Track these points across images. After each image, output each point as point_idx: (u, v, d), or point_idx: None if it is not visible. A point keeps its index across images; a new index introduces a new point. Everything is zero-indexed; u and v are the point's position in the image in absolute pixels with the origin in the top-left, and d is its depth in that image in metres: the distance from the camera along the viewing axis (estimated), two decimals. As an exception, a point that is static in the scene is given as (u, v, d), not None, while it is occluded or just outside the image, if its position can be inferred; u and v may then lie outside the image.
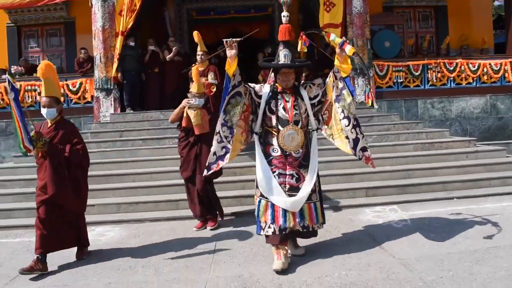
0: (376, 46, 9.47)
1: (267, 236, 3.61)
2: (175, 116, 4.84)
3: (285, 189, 3.54)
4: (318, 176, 3.74)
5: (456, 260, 3.38)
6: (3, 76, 9.63)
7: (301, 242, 3.86)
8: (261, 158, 3.62)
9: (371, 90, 3.73)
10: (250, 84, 3.73)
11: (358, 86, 8.90)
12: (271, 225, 3.53)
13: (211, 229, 4.79)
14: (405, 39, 10.39)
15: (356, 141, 3.71)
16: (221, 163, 3.57)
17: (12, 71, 9.60)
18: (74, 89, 9.33)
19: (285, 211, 3.50)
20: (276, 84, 3.68)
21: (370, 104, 3.72)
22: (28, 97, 9.24)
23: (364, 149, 3.76)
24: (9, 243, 4.79)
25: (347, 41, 3.60)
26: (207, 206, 4.86)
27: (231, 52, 3.43)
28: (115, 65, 8.91)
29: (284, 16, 3.68)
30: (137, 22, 11.72)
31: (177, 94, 9.78)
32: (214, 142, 3.56)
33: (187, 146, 4.80)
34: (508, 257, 3.36)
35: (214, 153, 3.57)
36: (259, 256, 3.82)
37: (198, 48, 6.06)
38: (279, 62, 3.61)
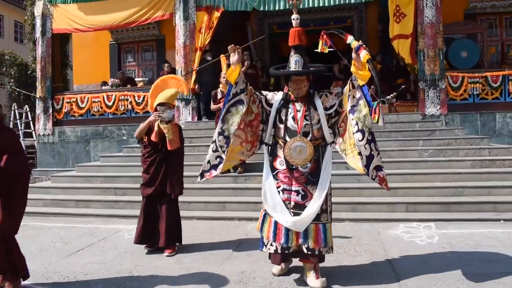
0: (451, 56, 8.99)
1: (270, 254, 3.48)
2: (142, 131, 4.51)
3: (289, 207, 3.29)
4: (330, 195, 3.48)
5: (453, 281, 3.31)
6: (104, 88, 11.28)
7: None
8: (267, 171, 3.43)
9: (378, 105, 3.43)
10: (262, 92, 3.56)
11: (428, 98, 8.61)
12: (273, 243, 3.33)
13: (168, 256, 4.33)
14: (486, 48, 9.64)
15: (370, 159, 3.28)
16: (214, 173, 3.44)
17: (110, 83, 11.18)
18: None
19: (287, 230, 3.28)
20: (289, 92, 3.44)
21: (376, 120, 3.48)
22: (121, 105, 10.59)
23: (378, 168, 3.34)
24: (82, 227, 5.74)
25: (363, 45, 3.25)
26: (172, 229, 4.46)
27: (233, 58, 3.30)
28: (193, 78, 9.83)
29: (294, 19, 3.43)
30: (221, 36, 12.80)
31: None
32: (209, 150, 3.45)
33: (155, 162, 4.48)
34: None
35: (208, 162, 3.45)
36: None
37: (222, 73, 6.45)
38: (290, 69, 3.37)
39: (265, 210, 3.43)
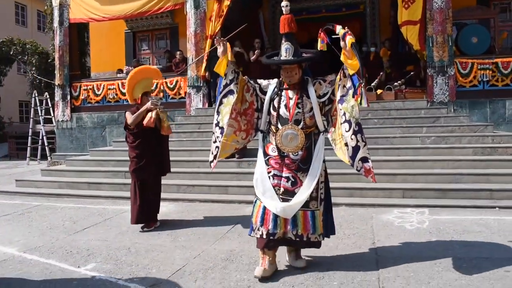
0: (462, 42, 8.88)
1: (258, 240, 3.40)
2: (138, 119, 4.75)
3: (279, 192, 3.28)
4: (324, 183, 3.45)
5: (430, 264, 3.44)
6: (119, 75, 11.60)
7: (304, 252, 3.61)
8: (260, 157, 3.45)
9: (361, 85, 3.34)
10: (258, 80, 3.54)
11: (437, 85, 8.56)
12: (260, 227, 3.31)
13: (149, 230, 4.74)
14: (498, 34, 9.45)
15: (355, 150, 3.17)
16: (215, 161, 3.53)
17: (124, 71, 11.49)
18: (171, 86, 10.71)
19: (276, 216, 3.26)
20: (283, 80, 3.42)
21: (359, 101, 3.42)
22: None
23: (364, 159, 3.18)
24: (91, 208, 6.07)
25: (349, 32, 3.20)
26: (157, 207, 4.99)
27: (219, 50, 3.40)
28: (203, 65, 10.02)
29: (283, 6, 3.36)
30: (233, 24, 12.88)
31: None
32: (211, 142, 3.54)
33: (148, 148, 4.81)
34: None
35: (212, 152, 3.53)
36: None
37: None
38: (281, 57, 3.34)
39: (256, 195, 3.40)
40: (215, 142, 3.50)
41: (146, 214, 4.81)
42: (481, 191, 5.47)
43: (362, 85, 3.36)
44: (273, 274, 3.26)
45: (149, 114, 4.69)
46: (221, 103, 3.48)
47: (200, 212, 5.63)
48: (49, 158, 11.72)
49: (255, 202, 3.42)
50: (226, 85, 3.44)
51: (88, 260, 3.79)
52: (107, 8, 10.82)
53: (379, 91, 9.18)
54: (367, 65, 10.40)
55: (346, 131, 3.19)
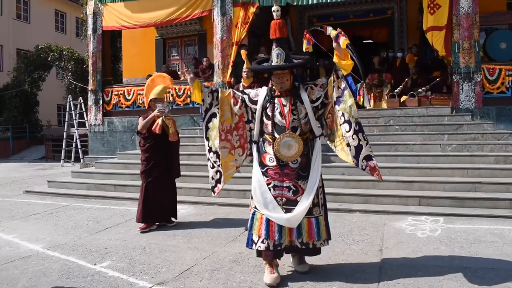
0: (490, 48, 8.68)
1: (259, 251, 3.39)
2: (146, 125, 5.00)
3: (281, 203, 3.25)
4: (322, 188, 3.47)
5: (433, 273, 3.44)
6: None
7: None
8: (257, 168, 3.37)
9: (362, 86, 3.37)
10: (245, 90, 3.53)
11: (463, 91, 8.39)
12: (264, 240, 3.26)
13: (171, 226, 5.18)
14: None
15: (358, 149, 3.19)
16: (220, 186, 3.55)
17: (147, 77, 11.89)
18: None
19: (280, 226, 3.26)
20: (274, 87, 3.36)
21: (361, 102, 3.42)
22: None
23: (368, 158, 3.21)
24: (115, 209, 6.37)
25: (342, 32, 3.22)
26: (167, 208, 5.19)
27: (187, 79, 3.42)
28: (229, 71, 10.25)
29: (274, 11, 3.35)
30: (260, 30, 13.10)
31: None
32: (208, 167, 3.55)
33: (157, 152, 5.06)
34: None
35: (212, 178, 3.54)
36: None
37: (244, 66, 6.22)
38: (272, 63, 3.30)
39: (255, 207, 3.36)
40: (213, 167, 3.51)
41: (149, 215, 5.03)
42: (500, 200, 5.36)
43: (363, 86, 3.42)
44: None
45: (157, 121, 4.94)
46: (207, 128, 3.49)
47: (217, 215, 5.81)
48: (82, 160, 12.28)
49: (254, 214, 3.36)
50: (207, 110, 3.46)
51: (104, 258, 4.02)
52: (138, 16, 11.24)
53: (403, 98, 9.11)
54: (393, 71, 10.35)
55: (347, 132, 3.20)
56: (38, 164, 13.77)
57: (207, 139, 3.50)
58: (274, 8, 3.33)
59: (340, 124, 3.25)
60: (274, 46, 3.31)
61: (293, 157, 3.25)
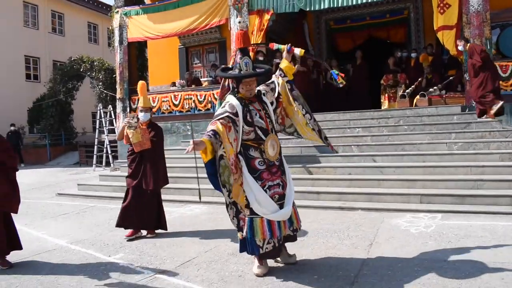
0: (503, 44, 8.66)
1: (264, 254, 3.52)
2: (119, 135, 5.13)
3: (275, 200, 3.49)
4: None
5: (412, 265, 3.68)
6: (172, 88, 12.60)
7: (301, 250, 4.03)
8: (249, 177, 3.46)
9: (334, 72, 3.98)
10: (227, 107, 3.46)
11: (475, 90, 8.40)
12: (270, 240, 3.48)
13: (150, 237, 5.00)
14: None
15: (320, 132, 3.90)
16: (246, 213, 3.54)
17: (177, 84, 12.47)
18: (217, 96, 11.47)
19: (279, 222, 3.52)
20: (238, 95, 3.55)
21: (340, 81, 4.07)
22: (186, 104, 11.81)
23: (326, 137, 4.02)
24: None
25: (293, 46, 3.90)
26: (152, 217, 5.05)
27: (197, 148, 3.16)
28: (246, 77, 10.64)
29: (237, 23, 3.65)
30: (278, 36, 13.44)
31: (305, 99, 10.99)
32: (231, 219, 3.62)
33: (135, 161, 5.03)
34: None
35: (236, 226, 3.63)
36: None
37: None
38: (241, 71, 3.51)
39: (251, 214, 3.48)
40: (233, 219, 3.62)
41: (125, 220, 4.99)
42: (501, 197, 5.45)
43: (335, 71, 3.99)
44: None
45: (125, 131, 5.01)
46: (219, 176, 3.31)
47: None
48: (112, 165, 13.00)
49: (252, 221, 3.48)
50: (221, 158, 3.31)
51: (118, 251, 4.50)
52: (160, 26, 11.84)
53: (417, 98, 9.19)
54: (408, 71, 10.44)
55: (309, 120, 3.81)
56: (72, 169, 14.66)
57: (223, 185, 3.33)
58: (238, 19, 3.77)
59: (303, 115, 3.79)
60: (241, 55, 3.56)
61: (276, 156, 3.61)
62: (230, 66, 4.01)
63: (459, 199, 5.62)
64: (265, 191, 3.47)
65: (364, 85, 11.56)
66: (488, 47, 8.31)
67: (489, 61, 7.59)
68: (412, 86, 9.11)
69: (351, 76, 12.25)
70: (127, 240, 4.91)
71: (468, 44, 7.86)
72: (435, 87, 8.90)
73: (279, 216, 3.49)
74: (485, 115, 7.49)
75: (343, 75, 4.16)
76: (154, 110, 12.37)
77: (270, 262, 3.77)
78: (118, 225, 5.04)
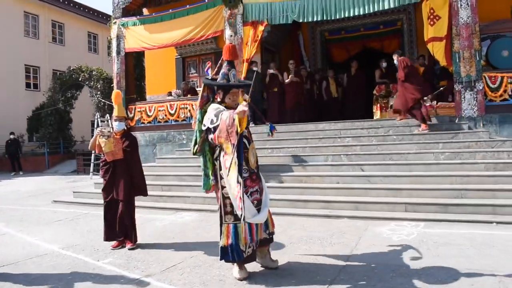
0: (492, 56, 8.83)
1: (244, 259, 3.66)
2: (91, 144, 5.04)
3: (254, 205, 3.63)
4: None
5: (387, 272, 3.80)
6: (168, 97, 12.78)
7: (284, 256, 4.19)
8: (233, 184, 3.55)
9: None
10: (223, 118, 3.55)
11: (465, 100, 8.56)
12: (251, 244, 3.65)
13: (129, 249, 4.86)
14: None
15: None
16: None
17: (173, 94, 12.66)
18: (195, 107, 11.63)
19: (257, 225, 3.66)
20: (223, 105, 3.74)
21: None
22: (182, 113, 11.98)
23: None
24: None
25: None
26: (124, 228, 4.97)
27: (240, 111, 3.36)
28: (242, 87, 10.81)
29: (227, 37, 3.89)
30: (275, 46, 13.67)
31: (296, 109, 11.18)
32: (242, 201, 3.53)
33: (108, 172, 4.97)
34: None
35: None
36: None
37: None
38: (230, 82, 3.75)
39: (234, 220, 3.63)
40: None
41: (110, 234, 5.00)
42: (483, 206, 5.57)
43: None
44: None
45: (97, 140, 4.97)
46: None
47: (218, 221, 6.29)
48: (108, 172, 13.13)
49: (236, 227, 3.62)
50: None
51: (107, 256, 4.63)
52: (156, 37, 12.04)
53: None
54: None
55: None
56: (69, 177, 14.79)
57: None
58: (227, 33, 3.92)
59: None
60: (229, 67, 3.79)
61: (255, 164, 3.79)
62: (211, 77, 4.09)
63: (443, 208, 5.74)
64: (248, 197, 3.60)
65: (359, 95, 11.76)
66: (477, 59, 8.51)
67: (412, 77, 8.30)
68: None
69: (346, 86, 12.50)
70: (111, 249, 4.90)
71: (399, 58, 8.48)
72: (425, 98, 9.04)
73: (258, 219, 3.63)
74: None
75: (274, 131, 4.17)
76: (150, 119, 12.55)
77: (251, 267, 3.89)
78: (105, 239, 5.03)
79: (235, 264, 3.78)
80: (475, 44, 8.55)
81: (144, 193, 5.25)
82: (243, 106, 3.36)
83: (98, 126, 14.28)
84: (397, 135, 7.98)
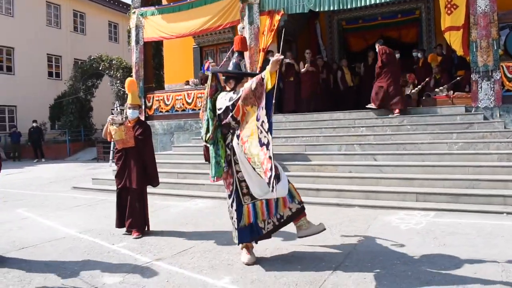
0: (510, 45, 8.66)
1: (264, 234, 3.84)
2: (104, 132, 5.10)
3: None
4: None
5: (392, 258, 3.87)
6: (185, 87, 12.94)
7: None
8: (247, 164, 3.61)
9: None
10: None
11: (481, 90, 8.44)
12: (269, 220, 3.83)
13: (135, 238, 4.85)
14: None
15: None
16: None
17: (190, 83, 12.81)
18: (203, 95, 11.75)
19: (276, 200, 3.81)
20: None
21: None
22: (199, 102, 12.13)
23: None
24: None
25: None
26: (136, 216, 4.98)
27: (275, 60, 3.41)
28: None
29: (240, 29, 4.08)
30: (292, 36, 13.64)
31: (312, 99, 11.20)
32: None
33: (121, 159, 5.02)
34: None
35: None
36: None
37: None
38: (241, 71, 3.91)
39: (252, 201, 3.76)
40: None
41: (122, 221, 5.08)
42: (495, 197, 5.55)
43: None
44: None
45: (108, 128, 5.06)
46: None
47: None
48: (127, 160, 13.46)
49: (254, 205, 3.76)
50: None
51: (122, 240, 4.82)
52: (174, 27, 12.17)
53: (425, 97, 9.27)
54: (416, 71, 10.51)
55: None
56: (90, 164, 15.22)
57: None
58: (239, 26, 4.02)
59: None
60: (240, 57, 3.94)
61: None
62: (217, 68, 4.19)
63: (454, 198, 5.75)
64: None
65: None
66: (495, 48, 8.35)
67: (391, 64, 8.56)
68: (419, 86, 9.19)
69: (363, 75, 12.43)
70: (136, 238, 4.88)
71: (379, 47, 8.71)
72: (441, 88, 8.96)
73: (281, 190, 3.56)
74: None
75: None
76: (168, 108, 12.76)
77: (258, 252, 4.02)
78: (117, 226, 5.13)
79: (243, 249, 3.92)
80: (493, 33, 8.38)
81: (155, 183, 5.26)
82: (276, 56, 3.38)
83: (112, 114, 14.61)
84: (411, 125, 7.95)
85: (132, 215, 5.00)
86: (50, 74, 22.96)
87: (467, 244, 4.17)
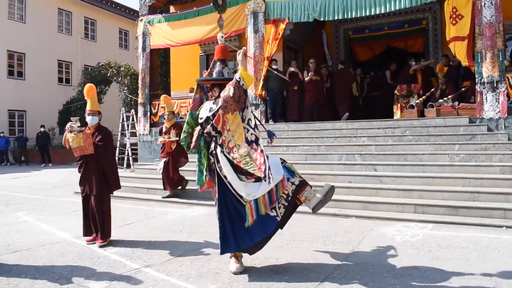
0: (516, 56, 8.54)
1: (279, 222, 3.81)
2: (63, 140, 4.95)
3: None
4: None
5: (383, 271, 3.80)
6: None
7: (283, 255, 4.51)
8: (247, 149, 3.58)
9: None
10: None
11: (487, 101, 8.33)
12: (278, 205, 3.79)
13: (100, 246, 4.78)
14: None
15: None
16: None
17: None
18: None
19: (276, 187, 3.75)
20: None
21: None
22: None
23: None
24: (142, 209, 7.22)
25: None
26: (99, 224, 4.92)
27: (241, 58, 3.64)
28: (260, 84, 10.90)
29: (219, 38, 4.06)
30: (297, 45, 13.66)
31: (315, 108, 11.16)
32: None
33: (82, 166, 4.96)
34: None
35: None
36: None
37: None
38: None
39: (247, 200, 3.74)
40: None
41: (89, 229, 5.02)
42: (495, 210, 5.44)
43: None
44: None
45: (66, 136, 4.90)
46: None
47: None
48: (132, 166, 13.52)
49: (256, 201, 3.73)
50: None
51: (115, 245, 4.82)
52: (180, 33, 12.26)
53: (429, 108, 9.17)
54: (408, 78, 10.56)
55: None
56: (95, 169, 15.31)
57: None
58: (219, 35, 4.11)
59: None
60: (223, 65, 3.96)
61: None
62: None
63: (453, 210, 5.65)
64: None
65: (382, 94, 11.62)
66: (500, 59, 8.25)
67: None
68: (423, 97, 9.10)
69: (368, 85, 12.41)
70: (101, 247, 4.80)
71: None
72: (445, 98, 8.87)
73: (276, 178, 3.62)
74: None
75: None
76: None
77: (248, 262, 3.98)
78: (84, 234, 5.05)
79: (232, 257, 3.89)
80: (499, 44, 8.28)
81: (114, 188, 5.18)
82: (240, 52, 3.52)
83: (123, 120, 14.72)
84: (413, 135, 7.85)
85: (94, 222, 4.94)
86: (60, 79, 23.26)
87: (462, 257, 4.08)
